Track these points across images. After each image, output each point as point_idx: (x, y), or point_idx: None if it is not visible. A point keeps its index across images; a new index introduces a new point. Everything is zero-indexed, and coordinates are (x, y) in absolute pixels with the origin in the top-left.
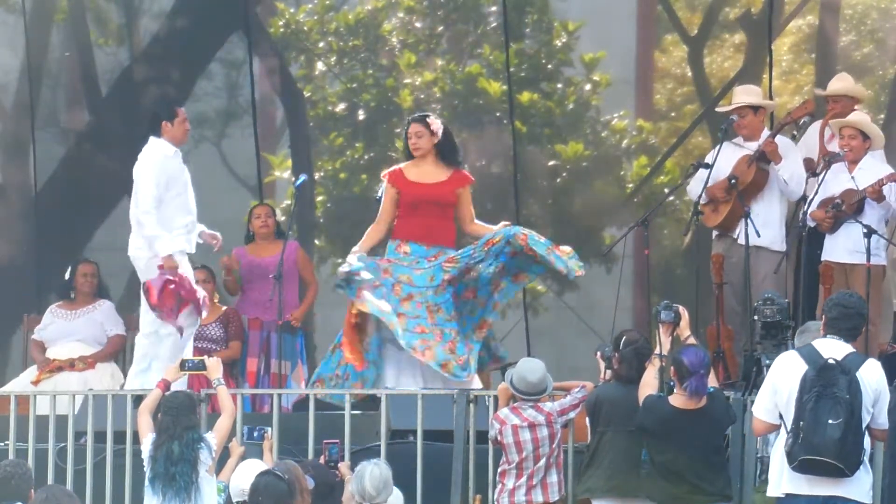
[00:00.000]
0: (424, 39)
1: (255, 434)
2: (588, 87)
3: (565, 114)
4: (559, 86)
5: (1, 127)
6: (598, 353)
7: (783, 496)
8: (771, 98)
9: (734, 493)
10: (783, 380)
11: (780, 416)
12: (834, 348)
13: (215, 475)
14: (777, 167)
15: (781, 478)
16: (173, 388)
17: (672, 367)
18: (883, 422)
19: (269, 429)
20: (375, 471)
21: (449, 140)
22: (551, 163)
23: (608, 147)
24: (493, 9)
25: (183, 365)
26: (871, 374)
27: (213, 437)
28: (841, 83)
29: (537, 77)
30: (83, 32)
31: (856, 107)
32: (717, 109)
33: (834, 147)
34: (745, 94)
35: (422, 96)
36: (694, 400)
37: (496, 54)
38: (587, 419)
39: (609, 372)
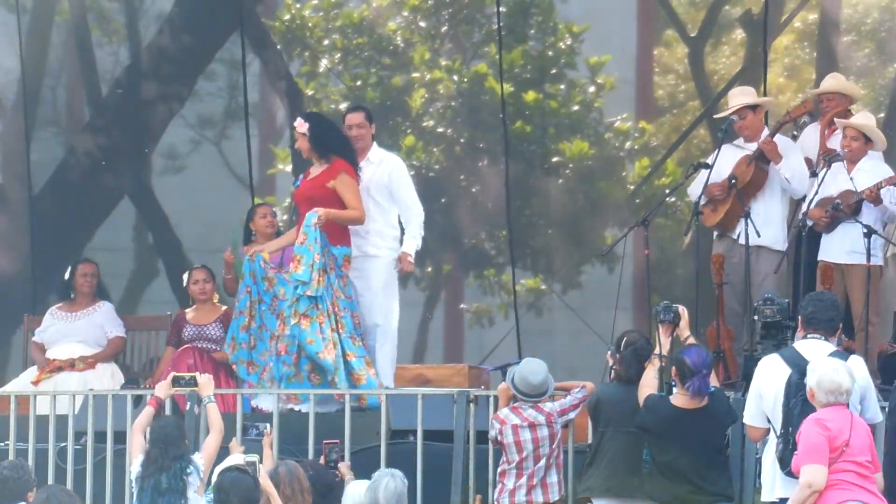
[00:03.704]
0: (429, 39)
1: (254, 432)
2: (592, 88)
3: (569, 115)
4: (562, 87)
5: (1, 127)
6: (609, 354)
7: (777, 501)
8: (766, 96)
9: (735, 493)
10: (767, 385)
11: (768, 421)
12: (816, 349)
13: (205, 494)
14: (777, 166)
15: (774, 483)
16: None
17: (673, 367)
18: (871, 416)
19: (269, 425)
20: (391, 483)
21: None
22: (555, 159)
23: (611, 148)
24: (502, 10)
25: (175, 381)
26: (854, 372)
27: (201, 459)
28: (833, 81)
29: (542, 78)
30: (84, 32)
31: (851, 106)
32: (715, 117)
33: (834, 143)
34: (741, 96)
35: (426, 95)
36: (696, 400)
37: (502, 54)
38: (588, 419)
39: (613, 372)
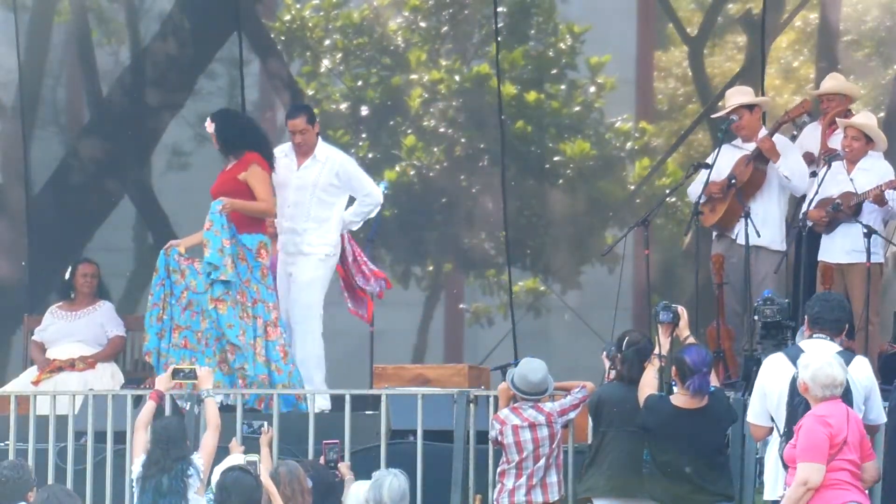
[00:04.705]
0: (430, 39)
1: (247, 430)
2: (592, 89)
3: (570, 115)
4: (563, 87)
5: (1, 127)
6: (604, 354)
7: (780, 500)
8: (763, 95)
9: (735, 493)
10: (772, 383)
11: (772, 419)
12: (821, 349)
13: (205, 493)
14: (776, 165)
15: (777, 481)
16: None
17: (673, 367)
18: (874, 417)
19: (266, 423)
20: (395, 482)
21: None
22: (556, 159)
23: (611, 149)
24: (501, 9)
25: (175, 374)
26: (859, 372)
27: (200, 458)
28: (833, 82)
29: (542, 79)
30: (84, 32)
31: (851, 105)
32: (713, 116)
33: (834, 143)
34: (739, 95)
35: (426, 95)
36: (696, 399)
37: (503, 54)
38: (589, 419)
39: (613, 372)
